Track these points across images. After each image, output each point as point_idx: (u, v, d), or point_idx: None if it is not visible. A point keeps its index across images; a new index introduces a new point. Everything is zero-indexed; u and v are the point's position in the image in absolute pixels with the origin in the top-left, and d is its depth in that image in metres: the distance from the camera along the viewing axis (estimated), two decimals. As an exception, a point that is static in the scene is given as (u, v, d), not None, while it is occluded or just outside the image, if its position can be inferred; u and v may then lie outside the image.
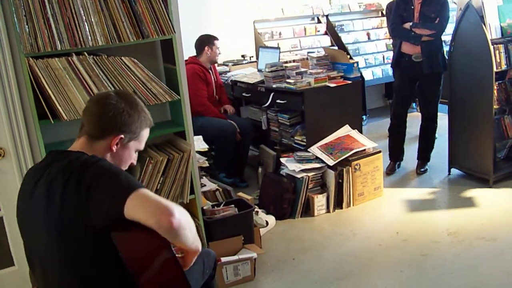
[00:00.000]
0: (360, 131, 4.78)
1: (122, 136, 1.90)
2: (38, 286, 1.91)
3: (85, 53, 2.85)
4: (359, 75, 4.73)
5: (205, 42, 5.12)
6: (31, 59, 2.71)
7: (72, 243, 1.70)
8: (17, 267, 3.17)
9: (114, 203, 1.62)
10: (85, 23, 2.80)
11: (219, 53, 5.20)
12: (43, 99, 2.75)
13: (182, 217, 1.64)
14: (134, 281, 1.64)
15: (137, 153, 2.03)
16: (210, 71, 5.18)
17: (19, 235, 1.89)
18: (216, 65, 5.51)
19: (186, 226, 1.66)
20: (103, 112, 1.88)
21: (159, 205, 1.61)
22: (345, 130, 4.69)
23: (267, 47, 6.09)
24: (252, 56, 6.39)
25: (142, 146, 2.01)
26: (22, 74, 2.79)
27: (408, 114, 5.19)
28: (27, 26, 2.66)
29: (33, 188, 1.79)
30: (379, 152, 4.57)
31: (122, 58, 2.92)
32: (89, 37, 2.82)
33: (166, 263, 1.64)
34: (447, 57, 4.77)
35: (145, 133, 2.01)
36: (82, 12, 2.78)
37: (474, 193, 4.53)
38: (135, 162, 2.03)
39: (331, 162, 4.36)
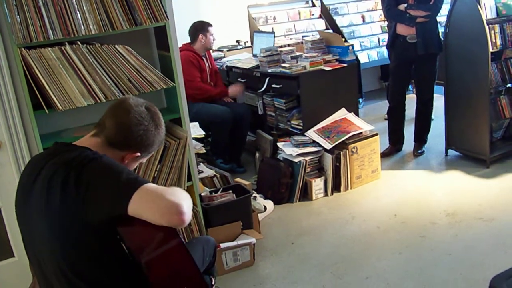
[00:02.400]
0: (357, 114, 4.77)
1: (139, 154, 1.92)
2: (37, 278, 1.92)
3: (78, 42, 2.83)
4: (354, 58, 4.70)
5: (199, 29, 5.08)
6: (23, 49, 2.69)
7: (71, 239, 1.68)
8: (17, 258, 3.17)
9: (118, 202, 1.61)
10: (77, 12, 2.77)
11: (213, 40, 5.16)
12: (37, 90, 2.74)
13: (189, 209, 1.64)
14: (143, 268, 1.62)
15: None
16: (204, 57, 5.16)
17: (18, 226, 1.89)
18: (211, 51, 5.49)
19: (191, 211, 1.66)
20: (133, 129, 1.86)
21: (167, 204, 1.59)
22: (342, 113, 4.68)
23: (262, 32, 6.05)
24: (247, 41, 6.36)
25: (145, 160, 2.06)
26: (15, 64, 2.77)
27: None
28: (18, 16, 2.64)
29: (33, 181, 1.76)
30: (376, 134, 4.57)
31: (116, 46, 2.91)
32: (82, 26, 2.80)
33: (174, 249, 1.63)
34: (442, 38, 4.75)
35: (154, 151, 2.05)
36: (73, 0, 2.76)
37: (471, 173, 4.54)
38: None
39: (328, 146, 4.36)
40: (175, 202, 1.59)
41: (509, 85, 4.65)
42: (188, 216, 1.61)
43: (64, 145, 1.86)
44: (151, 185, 1.65)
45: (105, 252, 1.72)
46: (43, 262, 1.79)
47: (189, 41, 5.15)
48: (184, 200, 1.63)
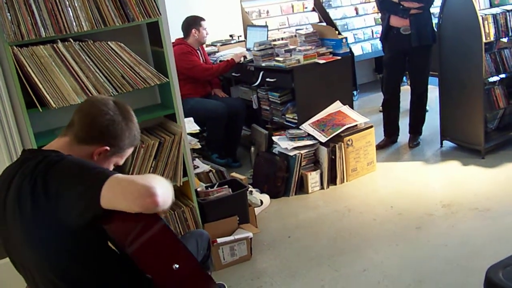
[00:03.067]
0: (351, 107, 4.77)
1: (108, 148, 1.83)
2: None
3: (71, 39, 2.81)
4: (348, 50, 4.69)
5: (192, 24, 5.07)
6: (15, 47, 2.67)
7: (54, 248, 1.65)
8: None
9: (89, 197, 1.56)
10: (69, 8, 2.75)
11: (206, 34, 5.16)
12: (30, 88, 2.72)
13: (163, 191, 1.58)
14: (130, 257, 1.61)
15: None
16: (198, 51, 5.15)
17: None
18: (204, 46, 5.47)
19: (168, 195, 1.62)
20: (97, 119, 1.81)
21: (138, 188, 1.54)
22: (336, 106, 4.68)
23: (255, 26, 6.04)
24: (240, 36, 6.34)
25: (121, 162, 1.95)
26: (7, 63, 2.74)
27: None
28: (9, 14, 2.61)
29: (5, 196, 1.72)
30: (371, 127, 4.57)
31: (109, 42, 2.89)
32: (74, 23, 2.78)
33: (159, 233, 1.60)
34: (436, 30, 4.75)
35: (129, 151, 1.96)
36: (65, -3, 2.74)
37: (467, 164, 4.55)
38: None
39: (323, 139, 4.36)
40: (145, 184, 1.55)
41: (503, 76, 4.65)
42: (162, 198, 1.56)
43: (30, 152, 1.83)
44: (120, 174, 1.61)
45: (90, 253, 1.69)
46: (30, 273, 1.76)
47: (182, 36, 5.13)
48: (157, 183, 1.58)
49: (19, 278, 3.17)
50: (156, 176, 1.65)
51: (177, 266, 1.59)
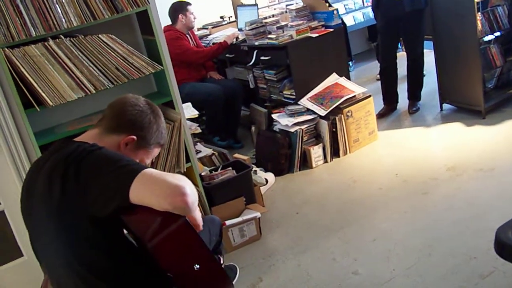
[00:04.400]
0: (348, 78, 4.76)
1: (135, 138, 1.89)
2: (46, 275, 1.92)
3: (61, 36, 2.80)
4: (340, 21, 4.67)
5: (178, 9, 5.04)
6: (6, 49, 2.66)
7: (76, 233, 1.68)
8: (26, 257, 3.19)
9: (119, 189, 1.59)
10: (57, 5, 2.74)
11: (194, 18, 5.12)
12: (26, 88, 2.72)
13: (192, 192, 1.61)
14: (152, 254, 1.62)
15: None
16: (187, 36, 5.12)
17: (23, 225, 1.89)
18: (195, 30, 5.44)
19: (195, 197, 1.64)
20: (127, 109, 1.91)
21: (169, 185, 1.57)
22: (333, 78, 4.67)
23: (245, 5, 5.99)
24: (231, 16, 6.30)
25: (148, 161, 2.00)
26: (0, 65, 2.74)
27: (395, 54, 5.17)
28: (-3, 17, 2.61)
29: (36, 179, 1.77)
30: (369, 96, 4.56)
31: (100, 36, 2.88)
32: (63, 19, 2.77)
33: (179, 229, 1.61)
34: (427, -7, 4.71)
35: (156, 151, 2.02)
36: (51, -6, 2.72)
37: (468, 126, 4.55)
38: None
39: (322, 112, 4.36)
40: (177, 183, 1.58)
41: (497, 34, 4.62)
42: (191, 198, 1.59)
43: (63, 141, 1.86)
44: (151, 169, 1.64)
45: (113, 243, 1.72)
46: (50, 258, 1.79)
47: (170, 23, 5.10)
48: (187, 184, 1.61)
49: (22, 282, 3.22)
50: (184, 177, 1.67)
51: (198, 266, 1.60)
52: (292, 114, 4.45)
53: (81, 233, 1.68)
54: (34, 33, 2.70)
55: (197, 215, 1.72)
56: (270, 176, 4.31)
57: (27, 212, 1.84)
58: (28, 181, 1.84)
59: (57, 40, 2.78)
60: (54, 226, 1.71)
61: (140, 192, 1.58)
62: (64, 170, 1.67)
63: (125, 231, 1.83)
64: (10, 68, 2.68)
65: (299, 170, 4.42)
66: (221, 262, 2.53)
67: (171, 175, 1.63)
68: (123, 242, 1.78)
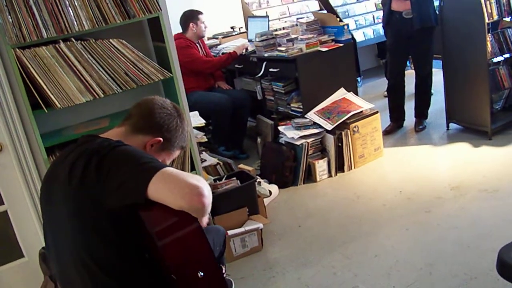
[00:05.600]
0: (356, 93, 4.77)
1: (161, 140, 1.93)
2: (51, 269, 1.92)
3: (72, 38, 2.82)
4: (350, 37, 4.68)
5: (189, 18, 5.06)
6: (17, 49, 2.68)
7: (90, 224, 1.69)
8: (27, 258, 3.18)
9: (137, 184, 1.60)
10: (69, 8, 2.76)
11: (205, 27, 5.15)
12: (35, 89, 2.74)
13: (210, 194, 1.62)
14: (159, 252, 1.62)
15: None
16: (197, 45, 5.14)
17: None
18: (205, 39, 5.47)
19: (211, 199, 1.65)
20: (156, 111, 1.94)
21: (188, 185, 1.58)
22: (341, 93, 4.67)
23: (256, 17, 6.03)
24: (242, 27, 6.33)
25: (168, 162, 2.04)
26: (10, 66, 2.75)
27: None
28: (9, 17, 2.62)
29: (58, 168, 1.80)
30: (377, 112, 4.56)
31: (110, 40, 2.90)
32: (75, 22, 2.78)
33: (192, 233, 1.61)
34: (437, 12, 4.72)
35: (177, 153, 2.06)
36: (64, -4, 2.74)
37: (474, 146, 4.54)
38: None
39: (329, 127, 4.36)
40: (196, 184, 1.59)
41: (507, 55, 4.62)
42: (208, 200, 1.60)
43: (89, 136, 1.89)
44: (172, 168, 1.66)
45: (123, 239, 1.72)
46: (61, 248, 1.79)
47: (181, 31, 5.13)
48: (205, 185, 1.62)
49: (22, 283, 3.21)
50: (203, 179, 1.68)
51: (202, 274, 1.60)
52: (298, 127, 4.45)
53: (95, 226, 1.68)
54: (45, 34, 2.71)
55: (205, 220, 1.74)
56: (274, 188, 4.30)
57: (45, 198, 1.86)
58: (51, 171, 1.88)
59: (68, 42, 2.80)
60: (69, 213, 1.72)
61: (159, 189, 1.59)
62: (87, 160, 1.70)
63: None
64: (20, 69, 2.69)
65: (303, 183, 4.41)
66: (224, 271, 2.52)
67: (190, 175, 1.65)
68: (135, 243, 1.77)
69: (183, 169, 3.26)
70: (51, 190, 1.82)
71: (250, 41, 5.50)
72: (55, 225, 1.81)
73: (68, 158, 1.77)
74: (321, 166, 4.40)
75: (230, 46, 5.57)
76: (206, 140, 3.99)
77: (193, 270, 1.60)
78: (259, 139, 5.09)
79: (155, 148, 1.93)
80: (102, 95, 2.84)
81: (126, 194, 1.62)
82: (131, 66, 2.93)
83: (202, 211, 1.60)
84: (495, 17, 4.31)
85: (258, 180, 4.10)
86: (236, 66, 5.39)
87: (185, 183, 1.59)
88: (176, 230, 1.59)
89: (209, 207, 1.62)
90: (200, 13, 5.11)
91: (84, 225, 1.70)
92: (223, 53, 5.38)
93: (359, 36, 6.97)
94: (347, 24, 4.72)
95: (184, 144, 2.06)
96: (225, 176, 3.81)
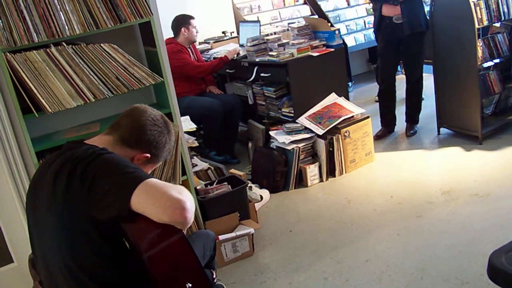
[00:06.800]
0: (347, 98, 4.77)
1: (149, 156, 1.94)
2: (40, 276, 1.91)
3: (63, 43, 2.81)
4: (341, 42, 4.69)
5: (181, 22, 5.06)
6: (8, 53, 2.67)
7: (75, 232, 1.68)
8: (16, 263, 3.16)
9: (120, 195, 1.59)
10: (60, 12, 2.75)
11: (196, 32, 5.14)
12: (25, 93, 2.72)
13: (192, 208, 1.61)
14: (145, 264, 1.62)
15: None
16: (189, 49, 5.14)
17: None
18: (196, 44, 5.46)
19: (193, 212, 1.63)
20: (147, 129, 1.93)
21: (170, 198, 1.57)
22: (332, 98, 4.68)
23: (247, 21, 6.03)
24: (233, 32, 6.32)
25: (149, 172, 2.03)
26: (0, 70, 2.74)
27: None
28: (0, 21, 2.61)
29: (43, 175, 1.78)
30: (368, 117, 4.57)
31: (102, 45, 2.89)
32: (66, 27, 2.77)
33: (176, 243, 1.61)
34: (428, 17, 4.74)
35: (160, 163, 2.09)
36: (56, 1, 2.73)
37: (465, 150, 4.56)
38: None
39: (320, 131, 4.36)
40: (178, 197, 1.58)
41: (497, 60, 4.65)
42: (190, 214, 1.59)
43: (74, 143, 1.88)
44: (155, 180, 1.64)
45: (109, 248, 1.71)
46: (48, 257, 1.78)
47: (172, 35, 5.12)
48: (187, 198, 1.61)
49: (21, 283, 3.19)
50: (186, 190, 1.68)
51: (190, 285, 1.60)
52: (289, 132, 4.46)
53: (81, 234, 1.67)
54: (36, 39, 2.71)
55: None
56: (265, 192, 4.30)
57: (31, 207, 1.84)
58: (36, 178, 1.87)
59: (59, 47, 2.79)
60: (55, 222, 1.71)
61: (142, 202, 1.58)
62: (72, 168, 1.69)
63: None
64: (11, 73, 2.68)
65: (295, 188, 4.41)
66: (214, 276, 2.52)
67: (174, 187, 1.63)
68: (122, 251, 1.77)
69: (174, 174, 3.25)
70: (36, 198, 1.80)
71: (241, 45, 5.50)
72: (42, 233, 1.80)
73: (53, 166, 1.76)
74: (312, 171, 4.40)
75: (221, 50, 5.57)
76: (197, 144, 3.99)
77: (181, 281, 1.60)
78: (250, 144, 5.09)
79: (141, 162, 1.93)
80: (93, 100, 2.83)
81: (109, 207, 1.61)
82: (122, 71, 2.93)
83: (184, 225, 1.59)
84: (485, 23, 4.34)
85: (249, 185, 4.10)
86: (228, 70, 5.38)
87: (167, 197, 1.58)
88: (160, 242, 1.59)
89: (191, 220, 1.61)
90: (192, 18, 5.10)
91: (71, 234, 1.69)
92: (214, 58, 5.38)
93: (350, 41, 6.99)
94: (338, 29, 4.74)
95: (168, 157, 2.09)
96: (216, 181, 3.80)
